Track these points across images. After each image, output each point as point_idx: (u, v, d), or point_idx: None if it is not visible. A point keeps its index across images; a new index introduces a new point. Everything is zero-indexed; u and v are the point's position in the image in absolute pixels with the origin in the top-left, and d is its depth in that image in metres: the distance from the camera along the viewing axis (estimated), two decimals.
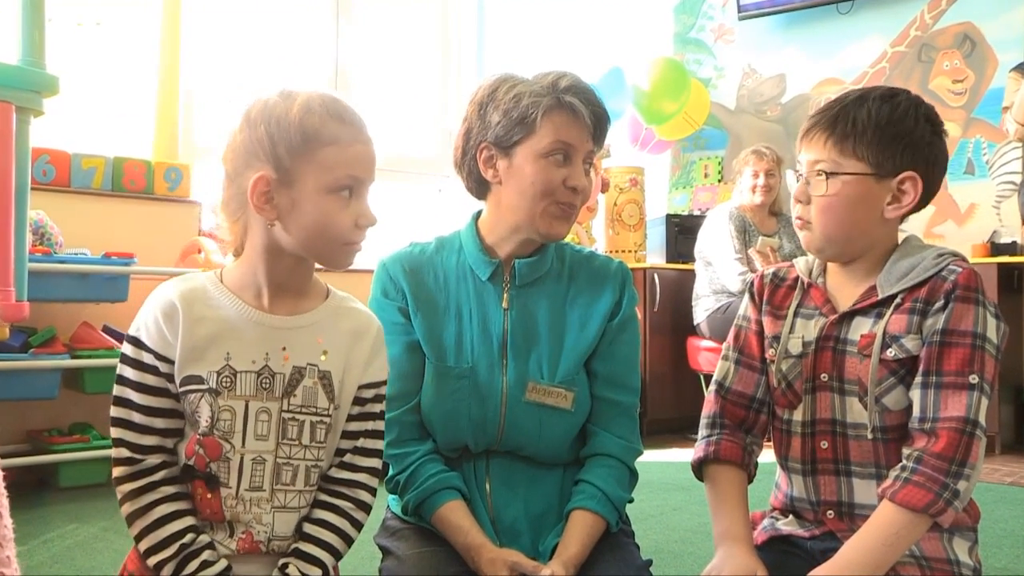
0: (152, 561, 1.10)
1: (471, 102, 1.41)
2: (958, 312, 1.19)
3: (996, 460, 3.66)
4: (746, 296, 1.43)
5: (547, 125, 1.33)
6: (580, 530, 1.32)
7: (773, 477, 1.44)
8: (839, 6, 4.76)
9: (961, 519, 1.24)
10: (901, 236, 1.33)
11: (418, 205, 4.45)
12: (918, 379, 1.20)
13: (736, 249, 3.91)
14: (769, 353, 1.36)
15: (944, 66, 4.44)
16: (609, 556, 1.33)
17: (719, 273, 3.97)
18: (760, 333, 1.39)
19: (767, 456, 1.42)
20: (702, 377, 4.15)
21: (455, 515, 1.32)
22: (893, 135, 1.22)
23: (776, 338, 1.35)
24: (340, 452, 1.20)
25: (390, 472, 1.40)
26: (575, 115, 1.34)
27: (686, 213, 5.02)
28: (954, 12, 4.42)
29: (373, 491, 1.22)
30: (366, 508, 1.21)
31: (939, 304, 1.21)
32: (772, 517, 1.39)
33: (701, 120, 5.05)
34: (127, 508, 1.11)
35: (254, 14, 3.98)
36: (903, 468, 1.18)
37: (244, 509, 1.12)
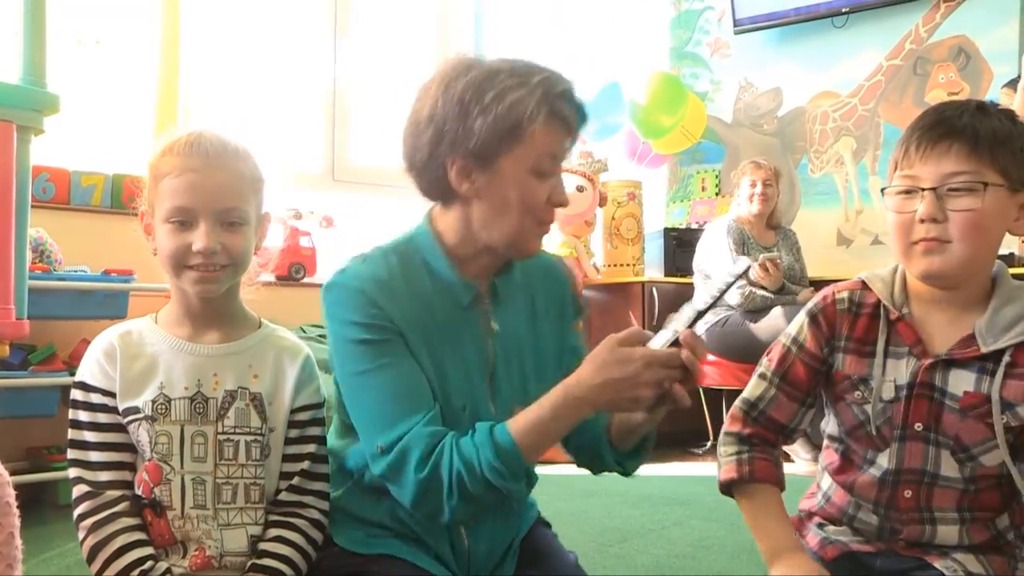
0: None
1: (447, 95, 1.18)
2: None
3: None
4: (805, 318, 1.29)
5: (539, 136, 1.17)
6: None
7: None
8: (834, 20, 4.79)
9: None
10: None
11: (416, 218, 4.44)
12: None
13: (734, 262, 3.91)
14: (855, 396, 1.24)
15: (940, 79, 4.46)
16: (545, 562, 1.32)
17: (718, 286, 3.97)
18: (812, 366, 1.28)
19: None
20: (701, 391, 4.15)
21: None
22: (1022, 147, 1.15)
23: (863, 380, 1.23)
24: (287, 476, 1.26)
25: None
26: (567, 126, 1.21)
27: (684, 226, 5.02)
28: (948, 25, 4.44)
29: (325, 512, 1.28)
30: (320, 526, 1.27)
31: None
32: (818, 525, 1.31)
33: (698, 134, 5.07)
34: (90, 542, 1.17)
35: (252, 31, 3.99)
36: None
37: (192, 527, 1.19)
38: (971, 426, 1.16)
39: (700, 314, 1.16)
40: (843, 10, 4.68)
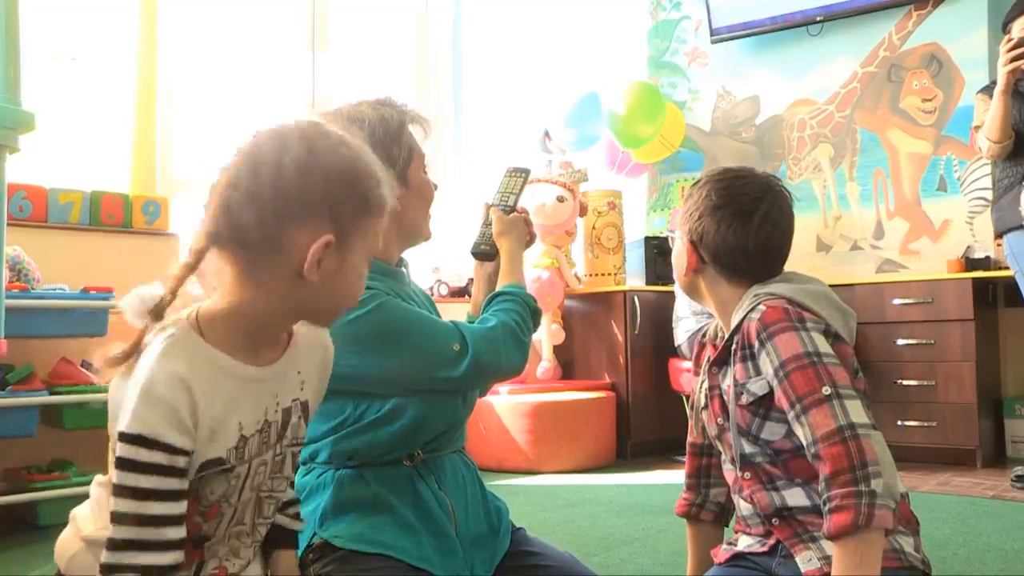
0: None
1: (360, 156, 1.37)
2: (781, 343, 1.27)
3: (978, 474, 3.68)
4: None
5: (415, 142, 1.49)
6: None
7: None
8: (809, 28, 4.84)
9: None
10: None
11: None
12: (789, 418, 1.26)
13: None
14: (694, 406, 1.55)
15: (913, 85, 4.52)
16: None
17: None
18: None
19: None
20: (684, 398, 4.16)
21: None
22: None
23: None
24: None
25: None
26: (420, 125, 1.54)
27: (664, 235, 5.05)
28: (920, 33, 4.50)
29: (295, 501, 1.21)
30: (296, 516, 1.19)
31: (756, 346, 1.30)
32: (729, 543, 1.46)
33: (677, 143, 5.10)
34: None
35: (230, 47, 3.99)
36: (823, 503, 1.19)
37: (221, 546, 1.07)
38: (739, 411, 1.35)
39: None
40: (817, 18, 4.74)
